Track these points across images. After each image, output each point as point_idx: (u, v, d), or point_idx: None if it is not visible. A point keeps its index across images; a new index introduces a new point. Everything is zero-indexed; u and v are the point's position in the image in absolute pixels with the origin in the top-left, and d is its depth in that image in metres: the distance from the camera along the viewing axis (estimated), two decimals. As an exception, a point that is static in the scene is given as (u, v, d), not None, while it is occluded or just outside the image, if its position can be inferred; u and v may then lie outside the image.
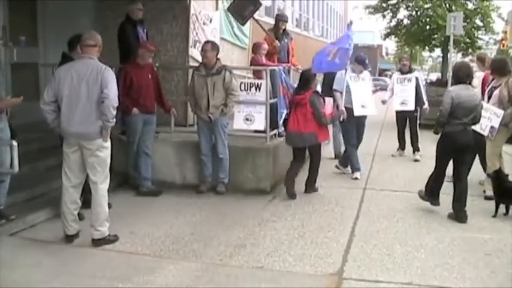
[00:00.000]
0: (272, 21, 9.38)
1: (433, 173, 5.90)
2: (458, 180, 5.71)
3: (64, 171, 4.65)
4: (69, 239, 4.70)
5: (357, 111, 7.47)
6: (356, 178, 7.47)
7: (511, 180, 5.88)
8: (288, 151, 7.60)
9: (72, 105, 4.50)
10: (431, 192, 5.88)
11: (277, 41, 8.16)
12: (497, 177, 5.86)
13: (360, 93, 7.55)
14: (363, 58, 7.82)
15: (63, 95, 4.49)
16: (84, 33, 4.77)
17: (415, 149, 9.09)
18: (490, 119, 6.24)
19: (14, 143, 4.40)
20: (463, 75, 5.69)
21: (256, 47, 7.82)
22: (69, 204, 4.65)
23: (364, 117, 7.79)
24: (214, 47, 6.56)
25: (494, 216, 5.72)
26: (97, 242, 4.65)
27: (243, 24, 8.95)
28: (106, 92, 4.45)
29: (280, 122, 7.31)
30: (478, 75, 7.41)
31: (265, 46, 7.86)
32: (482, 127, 6.27)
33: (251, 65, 7.96)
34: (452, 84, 5.98)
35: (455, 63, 6.43)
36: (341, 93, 7.40)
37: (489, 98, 6.51)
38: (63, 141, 4.76)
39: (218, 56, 6.54)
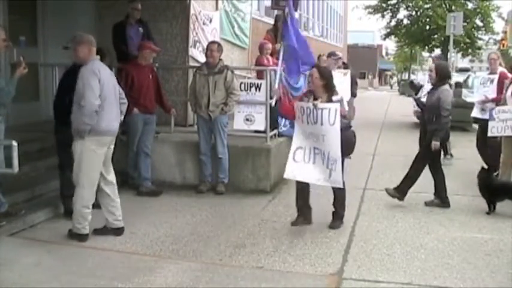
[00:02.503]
0: (272, 21, 9.38)
1: (435, 176, 6.07)
2: (439, 171, 6.14)
3: (99, 172, 4.75)
4: (84, 237, 4.78)
5: None
6: None
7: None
8: (287, 151, 7.60)
9: (113, 104, 4.79)
10: (445, 192, 6.09)
11: (278, 44, 8.22)
12: (487, 176, 5.90)
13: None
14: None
15: (106, 95, 4.66)
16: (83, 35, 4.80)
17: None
18: None
19: (14, 143, 4.39)
20: (449, 76, 6.08)
21: (260, 48, 7.99)
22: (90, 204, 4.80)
23: None
24: (220, 47, 6.64)
25: (488, 213, 5.78)
26: (122, 230, 4.92)
27: (273, 9, 8.97)
28: (123, 93, 5.08)
29: (282, 122, 7.34)
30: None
31: (269, 46, 7.91)
32: None
33: (256, 65, 8.00)
34: (437, 84, 5.93)
35: (439, 63, 6.37)
36: None
37: None
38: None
39: (220, 56, 6.58)
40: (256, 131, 7.04)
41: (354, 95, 9.83)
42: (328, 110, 4.84)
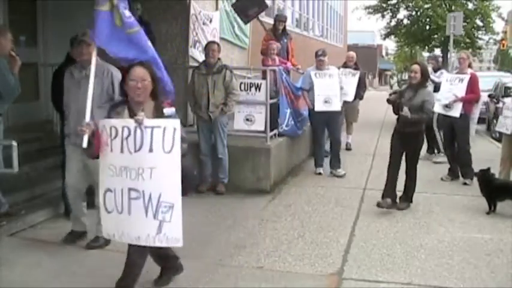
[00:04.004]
0: (272, 21, 9.40)
1: (412, 174, 6.02)
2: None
3: None
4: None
5: (318, 107, 7.57)
6: (320, 173, 7.78)
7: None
8: (287, 151, 7.62)
9: None
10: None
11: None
12: (485, 176, 5.90)
13: (324, 88, 7.58)
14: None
15: None
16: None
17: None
18: None
19: (14, 143, 4.40)
20: (429, 77, 6.25)
21: (265, 49, 8.06)
22: None
23: (335, 113, 7.74)
24: (219, 47, 6.65)
25: (488, 213, 5.79)
26: None
27: (246, 23, 9.05)
28: None
29: (284, 122, 7.35)
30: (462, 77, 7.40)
31: (274, 46, 7.90)
32: (508, 127, 6.56)
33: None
34: (420, 85, 5.87)
35: (423, 64, 6.28)
36: (307, 91, 7.69)
37: None
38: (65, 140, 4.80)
39: (219, 56, 6.58)
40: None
41: (360, 97, 9.85)
42: (162, 129, 3.21)
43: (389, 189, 5.90)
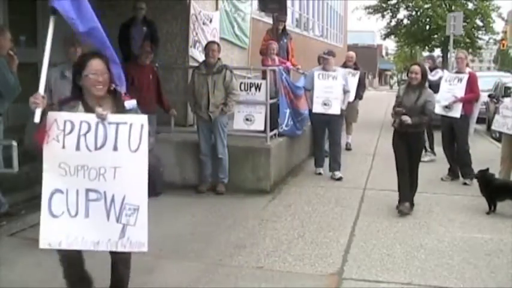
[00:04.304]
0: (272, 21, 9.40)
1: (413, 174, 5.96)
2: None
3: None
4: None
5: (316, 109, 7.48)
6: (320, 173, 7.74)
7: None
8: (287, 151, 7.62)
9: None
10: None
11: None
12: (485, 176, 5.90)
13: (324, 91, 7.42)
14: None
15: None
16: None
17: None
18: None
19: (14, 143, 4.40)
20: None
21: (265, 49, 8.06)
22: None
23: (336, 115, 7.52)
24: (219, 47, 6.65)
25: (488, 213, 5.79)
26: None
27: (261, 11, 9.21)
28: None
29: (284, 122, 7.35)
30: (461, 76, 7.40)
31: (273, 46, 7.89)
32: (508, 127, 6.52)
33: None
34: (420, 86, 5.79)
35: (423, 65, 6.20)
36: (309, 91, 7.59)
37: None
38: None
39: (219, 56, 6.59)
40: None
41: (360, 97, 9.86)
42: (128, 125, 2.96)
43: (404, 192, 5.85)
